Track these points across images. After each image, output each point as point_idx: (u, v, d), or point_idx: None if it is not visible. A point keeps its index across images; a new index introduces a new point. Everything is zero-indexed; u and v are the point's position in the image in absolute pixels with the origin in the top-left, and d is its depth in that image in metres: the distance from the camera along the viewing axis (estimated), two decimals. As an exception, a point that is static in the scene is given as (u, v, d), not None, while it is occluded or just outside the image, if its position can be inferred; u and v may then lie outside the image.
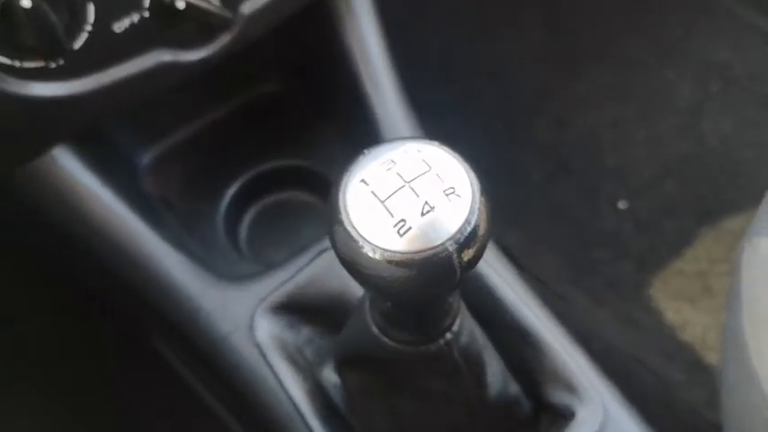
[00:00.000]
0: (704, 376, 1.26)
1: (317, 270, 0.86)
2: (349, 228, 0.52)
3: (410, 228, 0.51)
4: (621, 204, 1.47)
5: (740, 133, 1.52)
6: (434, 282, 0.52)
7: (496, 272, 0.86)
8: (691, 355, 1.30)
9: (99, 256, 0.89)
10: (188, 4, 0.79)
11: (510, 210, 1.47)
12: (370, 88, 0.98)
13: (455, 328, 0.66)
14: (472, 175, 0.53)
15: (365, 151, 0.54)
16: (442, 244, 0.51)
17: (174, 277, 0.87)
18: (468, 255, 0.52)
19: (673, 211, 1.46)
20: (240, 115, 1.09)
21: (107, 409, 1.14)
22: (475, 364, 0.70)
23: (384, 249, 0.51)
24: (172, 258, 0.88)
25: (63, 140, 0.84)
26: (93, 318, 1.13)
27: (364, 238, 0.51)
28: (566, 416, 0.79)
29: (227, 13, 0.82)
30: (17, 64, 0.75)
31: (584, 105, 1.58)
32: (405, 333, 0.65)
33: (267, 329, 0.84)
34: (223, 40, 0.84)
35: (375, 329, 0.66)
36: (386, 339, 0.66)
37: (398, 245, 0.51)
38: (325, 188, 1.04)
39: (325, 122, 1.06)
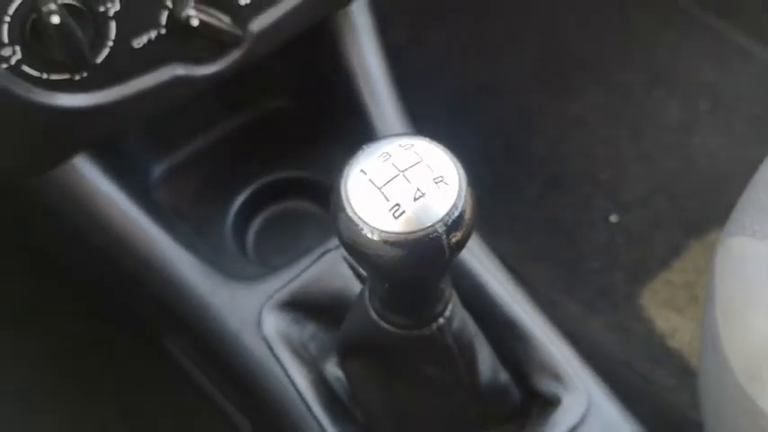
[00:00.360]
0: (691, 380, 1.31)
1: (319, 270, 0.92)
2: (350, 213, 0.58)
3: (404, 211, 0.57)
4: (613, 218, 1.53)
5: (727, 151, 1.58)
6: (426, 260, 0.58)
7: (488, 270, 0.91)
8: (678, 360, 1.35)
9: (115, 257, 0.94)
10: (201, 23, 0.85)
11: (505, 222, 1.53)
12: (370, 104, 1.04)
13: (447, 313, 0.71)
14: (459, 166, 0.59)
15: (364, 146, 0.60)
16: (432, 226, 0.57)
17: (186, 277, 0.93)
18: (455, 237, 0.58)
19: (662, 224, 1.52)
20: (247, 130, 1.15)
21: (118, 409, 1.19)
22: (466, 350, 0.76)
23: (381, 230, 0.57)
24: (184, 260, 0.93)
25: (84, 149, 0.90)
26: (106, 319, 1.18)
27: (364, 221, 0.57)
28: (552, 402, 0.84)
29: (237, 31, 0.88)
30: (44, 76, 0.81)
31: (577, 124, 1.64)
32: (401, 317, 0.71)
33: (274, 325, 0.90)
34: (233, 56, 0.90)
35: (374, 315, 0.72)
36: (384, 324, 0.72)
37: (394, 226, 0.57)
38: (327, 198, 1.11)
39: (328, 136, 1.12)
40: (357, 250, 0.59)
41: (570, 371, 0.85)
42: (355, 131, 1.05)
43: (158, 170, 1.12)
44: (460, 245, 0.59)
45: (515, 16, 1.75)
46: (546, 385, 0.85)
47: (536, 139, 1.64)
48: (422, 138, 0.60)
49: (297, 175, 1.13)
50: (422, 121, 1.08)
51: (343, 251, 0.92)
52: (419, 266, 0.59)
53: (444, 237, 0.57)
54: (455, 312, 0.73)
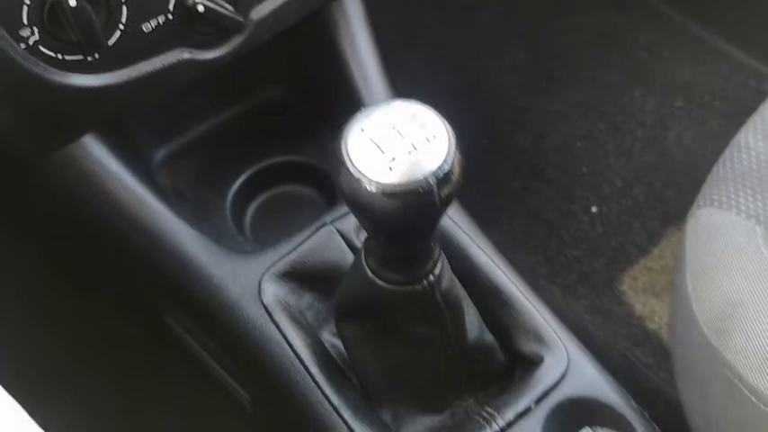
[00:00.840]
0: (668, 360, 1.37)
1: (316, 243, 0.97)
2: (350, 167, 0.64)
3: (399, 164, 0.63)
4: (594, 209, 1.60)
5: (701, 144, 1.65)
6: (420, 211, 0.64)
7: (475, 242, 0.97)
8: (657, 341, 1.42)
9: (121, 232, 0.99)
10: (206, 9, 0.90)
11: (491, 213, 1.59)
12: (363, 91, 1.10)
13: (437, 272, 0.77)
14: (449, 127, 0.65)
15: (362, 109, 0.66)
16: (425, 177, 0.63)
17: (189, 249, 0.98)
18: (445, 191, 0.64)
19: (640, 214, 1.58)
20: (245, 117, 1.21)
21: (118, 386, 1.24)
22: (454, 308, 0.82)
23: (378, 182, 0.63)
24: (186, 233, 0.99)
25: (95, 127, 0.95)
26: (107, 298, 1.23)
27: (362, 174, 0.63)
28: (535, 362, 0.90)
29: (239, 18, 0.94)
30: (60, 56, 0.86)
31: (559, 120, 1.71)
32: (394, 274, 0.76)
33: (273, 293, 0.94)
34: (235, 41, 0.96)
35: (370, 273, 0.78)
36: (379, 282, 0.77)
37: (390, 178, 0.63)
38: (321, 181, 1.17)
39: (323, 122, 1.18)
40: (357, 202, 0.64)
41: (551, 333, 0.91)
42: (348, 116, 1.11)
43: (160, 155, 1.17)
44: (449, 198, 0.65)
45: (500, 20, 1.82)
46: (528, 346, 0.91)
47: (520, 134, 1.70)
48: (416, 102, 0.66)
49: (292, 159, 1.19)
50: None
51: (338, 224, 0.98)
52: (413, 217, 0.65)
53: (436, 189, 0.63)
54: (444, 273, 0.79)
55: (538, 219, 1.60)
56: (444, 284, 0.79)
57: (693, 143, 1.65)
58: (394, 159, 0.63)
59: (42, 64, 0.85)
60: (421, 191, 0.62)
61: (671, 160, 1.63)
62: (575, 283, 1.51)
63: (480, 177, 1.60)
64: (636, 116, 1.70)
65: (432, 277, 0.77)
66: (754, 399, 0.74)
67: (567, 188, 1.62)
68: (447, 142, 0.64)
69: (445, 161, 0.63)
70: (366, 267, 0.78)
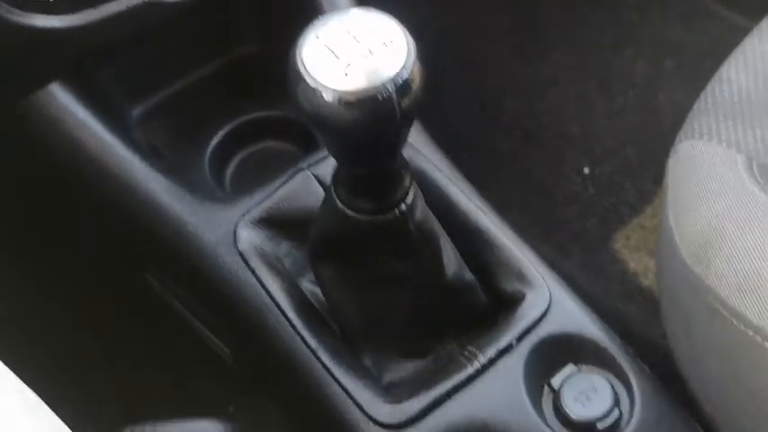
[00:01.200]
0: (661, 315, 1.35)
1: (292, 189, 0.95)
2: (306, 76, 0.61)
3: (356, 70, 0.60)
4: (586, 170, 1.57)
5: (691, 103, 1.61)
6: (380, 121, 0.62)
7: (454, 184, 0.95)
8: (650, 296, 1.39)
9: (90, 180, 0.97)
10: (171, -53, 0.89)
11: (482, 176, 1.57)
12: None
13: (408, 200, 0.75)
14: (409, 36, 0.63)
15: (319, 17, 0.64)
16: (383, 84, 0.60)
17: (161, 198, 0.96)
18: (406, 101, 0.61)
19: (632, 174, 1.56)
20: (223, 73, 1.19)
21: (100, 347, 1.22)
22: (430, 240, 0.79)
23: (334, 89, 0.60)
24: (160, 182, 0.97)
25: (61, 72, 0.93)
26: (89, 259, 1.21)
27: (317, 81, 0.61)
28: (518, 299, 0.88)
29: None
30: None
31: (550, 83, 1.69)
32: (364, 202, 0.74)
33: (249, 240, 0.92)
34: None
35: (339, 204, 0.75)
36: (349, 212, 0.75)
37: (346, 85, 0.60)
38: (302, 136, 1.14)
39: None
40: (314, 114, 0.62)
41: (533, 271, 0.89)
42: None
43: (136, 113, 1.15)
44: (411, 112, 0.63)
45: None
46: (510, 285, 0.89)
47: (510, 98, 1.68)
48: (374, 10, 0.64)
49: (271, 114, 1.16)
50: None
51: (314, 169, 0.96)
52: (373, 127, 0.62)
53: (395, 97, 0.61)
54: (417, 203, 0.77)
55: (530, 181, 1.58)
56: (418, 215, 0.77)
57: (683, 102, 1.61)
58: (349, 65, 0.61)
59: (4, 4, 0.84)
60: (380, 98, 0.60)
61: (661, 120, 1.61)
62: (567, 243, 1.49)
63: (472, 141, 1.58)
64: (626, 77, 1.67)
65: (404, 206, 0.75)
66: (734, 321, 0.72)
67: (559, 150, 1.60)
68: (405, 48, 0.62)
69: (404, 67, 0.61)
70: (335, 198, 0.76)
